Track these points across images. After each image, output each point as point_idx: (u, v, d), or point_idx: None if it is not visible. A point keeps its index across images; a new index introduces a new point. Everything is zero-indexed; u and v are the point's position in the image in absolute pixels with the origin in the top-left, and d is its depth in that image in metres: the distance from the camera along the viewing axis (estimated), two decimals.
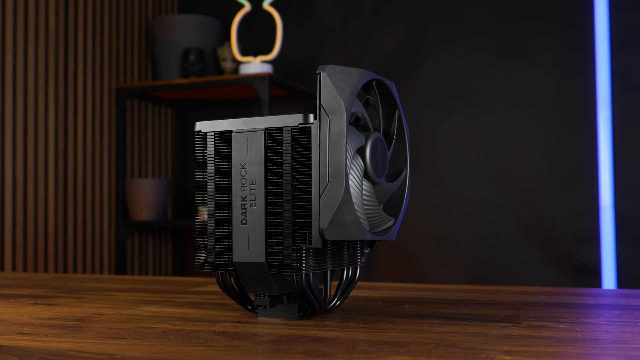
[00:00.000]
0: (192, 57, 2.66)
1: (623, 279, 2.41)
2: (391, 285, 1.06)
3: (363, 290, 1.00)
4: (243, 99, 2.88)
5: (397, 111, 0.79)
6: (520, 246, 2.54)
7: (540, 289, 1.02)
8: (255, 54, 2.74)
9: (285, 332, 0.66)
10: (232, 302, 0.88)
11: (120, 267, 2.63)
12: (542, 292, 0.98)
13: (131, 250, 2.77)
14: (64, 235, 2.44)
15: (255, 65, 2.56)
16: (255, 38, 2.89)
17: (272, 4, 2.66)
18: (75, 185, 2.50)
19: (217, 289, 1.03)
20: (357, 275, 0.79)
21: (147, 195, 2.68)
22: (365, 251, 0.80)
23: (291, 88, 2.64)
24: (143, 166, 2.85)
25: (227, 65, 2.75)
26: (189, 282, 1.12)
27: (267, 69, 2.56)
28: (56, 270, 2.41)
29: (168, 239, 2.99)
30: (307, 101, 2.82)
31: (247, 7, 2.63)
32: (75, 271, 2.48)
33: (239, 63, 2.72)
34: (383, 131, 0.79)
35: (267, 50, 2.74)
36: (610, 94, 2.44)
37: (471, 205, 2.60)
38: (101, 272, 2.61)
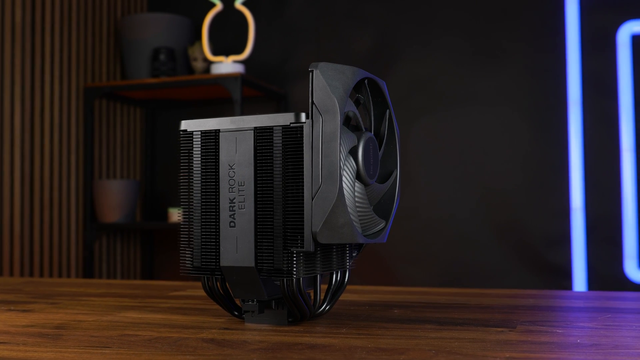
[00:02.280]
0: (162, 57, 2.62)
1: (593, 280, 2.43)
2: (376, 289, 1.04)
3: (347, 294, 0.98)
4: (214, 99, 2.84)
5: (387, 111, 0.77)
6: (492, 248, 2.54)
7: (526, 291, 1.01)
8: (226, 53, 2.70)
9: (276, 339, 0.64)
10: (216, 307, 0.85)
11: (88, 270, 2.58)
12: (530, 295, 0.97)
13: (99, 253, 2.71)
14: (30, 238, 2.38)
15: (227, 65, 2.53)
16: (227, 38, 2.86)
17: (244, 4, 2.63)
18: (41, 186, 2.44)
19: (197, 293, 1.00)
20: (346, 280, 0.77)
21: (115, 197, 2.63)
22: (353, 254, 0.78)
23: (263, 88, 2.61)
24: (111, 167, 2.79)
25: (198, 65, 2.71)
26: (167, 286, 1.09)
27: (239, 69, 2.53)
28: (22, 274, 2.35)
29: (137, 242, 2.94)
30: (279, 102, 2.79)
31: (219, 6, 2.59)
32: (41, 275, 2.42)
33: (210, 63, 2.68)
34: (373, 131, 0.77)
35: (239, 50, 2.71)
36: (581, 97, 2.46)
37: (443, 207, 2.60)
38: (68, 275, 2.55)
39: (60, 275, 2.50)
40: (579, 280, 2.44)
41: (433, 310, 0.82)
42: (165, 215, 2.89)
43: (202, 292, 1.00)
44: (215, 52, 2.69)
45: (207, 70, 2.71)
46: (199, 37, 2.81)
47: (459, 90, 2.61)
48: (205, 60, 2.70)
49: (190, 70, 2.77)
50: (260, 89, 2.59)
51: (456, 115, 2.60)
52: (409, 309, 0.83)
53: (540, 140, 2.52)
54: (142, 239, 2.97)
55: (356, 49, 2.72)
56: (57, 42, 2.52)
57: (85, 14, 2.67)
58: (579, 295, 0.96)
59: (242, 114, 2.47)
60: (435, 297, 0.95)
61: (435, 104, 2.62)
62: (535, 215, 2.51)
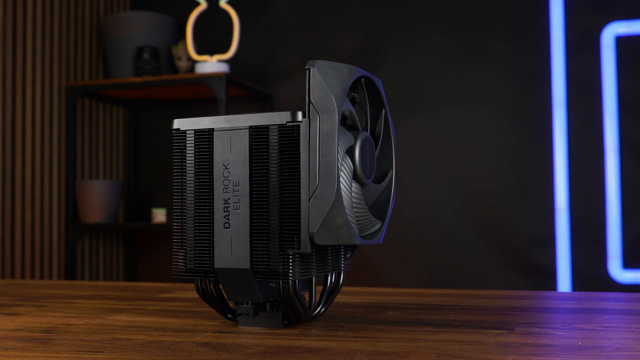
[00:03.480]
0: (145, 56, 2.59)
1: (578, 280, 2.44)
2: (367, 290, 1.03)
3: (339, 296, 0.96)
4: (198, 98, 2.82)
5: (383, 110, 0.76)
6: (477, 248, 2.54)
7: (519, 292, 1.00)
8: (210, 53, 2.68)
9: (272, 343, 0.63)
10: (207, 309, 0.83)
11: (70, 271, 2.54)
12: (523, 296, 0.96)
13: (81, 254, 2.68)
14: (11, 239, 2.34)
15: (211, 65, 2.51)
16: (211, 37, 2.83)
17: (228, 3, 2.61)
18: (23, 186, 2.40)
19: (186, 295, 0.98)
20: (340, 281, 0.76)
21: (98, 197, 2.60)
22: (347, 256, 0.77)
23: (248, 88, 2.59)
24: (94, 167, 2.76)
25: (182, 64, 2.68)
26: (155, 288, 1.07)
27: (223, 68, 2.51)
28: (2, 276, 2.31)
29: (120, 242, 2.91)
30: (263, 102, 2.77)
31: (203, 5, 2.57)
32: (22, 276, 2.38)
33: (194, 62, 2.65)
34: (369, 130, 0.76)
35: (223, 50, 2.69)
36: (565, 98, 2.47)
37: (428, 207, 2.60)
38: (50, 276, 2.51)
39: (42, 277, 2.47)
40: (564, 280, 2.44)
41: (427, 312, 0.81)
42: (148, 216, 2.86)
43: (191, 295, 0.99)
44: (199, 52, 2.67)
45: (191, 69, 2.69)
46: (183, 36, 2.78)
47: (444, 90, 2.60)
48: (190, 59, 2.67)
49: (174, 70, 2.75)
50: (244, 88, 2.57)
51: (441, 115, 2.60)
52: (404, 310, 0.82)
53: (525, 140, 2.53)
54: (125, 240, 2.93)
55: (341, 49, 2.71)
56: (39, 41, 2.49)
57: (68, 12, 2.63)
58: (572, 297, 0.96)
59: (227, 113, 2.45)
60: (428, 298, 0.94)
61: (420, 105, 2.61)
62: (520, 216, 2.51)
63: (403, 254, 2.61)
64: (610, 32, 2.44)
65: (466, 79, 2.58)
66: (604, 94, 2.43)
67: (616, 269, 2.40)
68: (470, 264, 2.55)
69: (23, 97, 2.41)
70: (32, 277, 2.43)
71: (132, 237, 2.93)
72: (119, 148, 2.91)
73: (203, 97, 2.76)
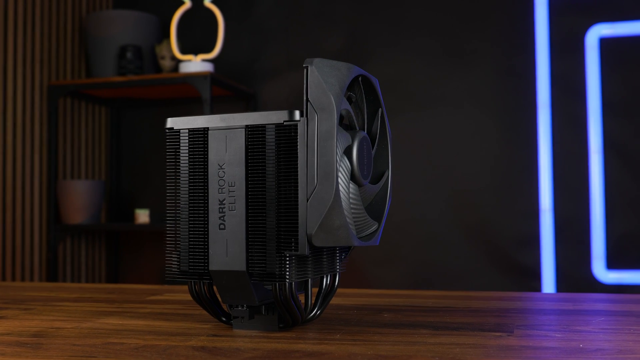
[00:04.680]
0: (129, 55, 2.56)
1: (562, 281, 2.45)
2: (359, 292, 1.02)
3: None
4: (182, 98, 2.79)
5: (380, 109, 0.75)
6: (462, 249, 2.54)
7: (512, 294, 0.99)
8: (195, 52, 2.66)
9: (270, 346, 0.61)
10: (199, 312, 0.82)
11: (52, 272, 2.51)
12: (515, 297, 0.96)
13: (63, 255, 2.64)
14: None
15: (195, 64, 2.49)
16: (195, 36, 2.81)
17: (213, 2, 2.59)
18: (4, 187, 2.36)
19: (175, 297, 0.97)
20: (336, 283, 0.75)
21: (80, 198, 2.57)
22: (342, 257, 0.75)
23: (233, 88, 2.57)
24: (76, 167, 2.73)
25: (166, 63, 2.66)
26: (142, 290, 1.05)
27: (208, 67, 2.49)
28: None
29: (102, 244, 2.88)
30: (248, 102, 2.75)
31: (188, 4, 2.55)
32: (4, 278, 2.34)
33: (178, 61, 2.63)
34: (365, 130, 0.75)
35: (207, 49, 2.66)
36: (550, 98, 2.48)
37: (413, 208, 2.59)
38: (31, 278, 2.48)
39: (23, 279, 2.43)
40: (548, 280, 2.45)
41: (423, 314, 0.80)
42: (131, 217, 2.83)
43: (180, 297, 0.97)
44: (184, 51, 2.64)
45: (175, 69, 2.67)
46: (166, 35, 2.76)
47: (428, 91, 2.60)
48: (174, 58, 2.65)
49: (158, 69, 2.72)
50: (229, 88, 2.55)
51: (426, 116, 2.60)
52: (399, 313, 0.81)
53: (509, 141, 2.53)
54: (108, 241, 2.90)
55: (326, 49, 2.69)
56: (20, 39, 2.45)
57: (50, 10, 2.60)
58: (565, 298, 0.96)
59: (212, 113, 2.42)
60: (421, 300, 0.93)
61: (404, 105, 2.61)
62: (505, 216, 2.52)
63: (387, 254, 2.60)
64: (595, 34, 2.45)
65: (451, 79, 2.58)
66: (588, 95, 2.44)
67: (600, 270, 2.41)
68: (454, 265, 2.55)
69: (4, 96, 2.37)
70: (14, 278, 2.39)
71: (114, 238, 2.89)
72: (102, 148, 2.88)
73: (187, 96, 2.74)
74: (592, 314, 0.80)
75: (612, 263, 2.41)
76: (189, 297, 0.96)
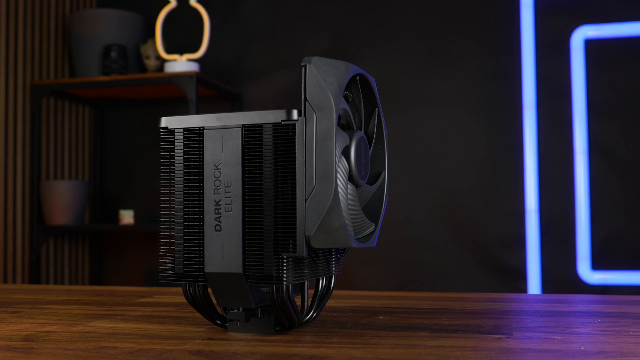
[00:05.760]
0: (113, 54, 2.54)
1: (548, 282, 2.45)
2: (352, 294, 1.01)
3: None
4: (167, 98, 2.77)
5: (377, 109, 0.74)
6: (448, 250, 2.54)
7: (504, 295, 0.99)
8: (180, 52, 2.64)
9: (267, 350, 0.60)
10: (192, 315, 0.81)
11: (35, 274, 2.48)
12: (509, 298, 0.95)
13: (46, 257, 2.61)
14: None
15: (181, 64, 2.47)
16: (181, 36, 2.79)
17: (198, 1, 2.57)
18: None
19: (166, 299, 0.95)
20: (331, 285, 0.74)
21: (63, 199, 2.54)
22: (338, 258, 0.74)
23: (218, 88, 2.55)
24: (59, 167, 2.69)
25: (151, 63, 2.63)
26: (131, 293, 1.04)
27: (193, 67, 2.47)
28: None
29: (85, 245, 2.85)
30: (233, 102, 2.74)
31: (173, 3, 2.53)
32: None
33: (163, 61, 2.61)
34: (362, 130, 0.74)
35: (192, 49, 2.64)
36: (535, 100, 2.48)
37: (399, 209, 2.59)
38: (14, 280, 2.44)
39: (5, 280, 2.40)
40: (533, 281, 2.45)
41: (419, 316, 0.79)
42: (115, 218, 2.80)
43: (171, 299, 0.95)
44: (169, 50, 2.62)
45: (160, 68, 2.64)
46: (151, 34, 2.74)
47: (414, 92, 2.60)
48: (159, 58, 2.63)
49: (143, 69, 2.70)
50: (215, 88, 2.53)
51: (412, 117, 2.59)
52: (394, 315, 0.80)
53: (495, 142, 2.53)
54: (91, 242, 2.87)
55: (311, 49, 2.68)
56: (3, 38, 2.42)
57: (33, 9, 2.57)
58: (558, 299, 0.95)
59: (197, 113, 2.40)
60: (415, 302, 0.92)
61: (391, 106, 2.60)
62: (490, 217, 2.52)
63: (373, 255, 2.59)
64: (580, 35, 2.46)
65: (437, 80, 2.58)
66: (573, 96, 2.45)
67: (585, 270, 2.42)
68: (441, 266, 2.55)
69: None
70: None
71: (98, 240, 2.86)
72: (85, 148, 2.85)
73: (172, 96, 2.72)
74: (588, 316, 0.80)
75: (597, 264, 2.42)
76: (179, 299, 0.95)
